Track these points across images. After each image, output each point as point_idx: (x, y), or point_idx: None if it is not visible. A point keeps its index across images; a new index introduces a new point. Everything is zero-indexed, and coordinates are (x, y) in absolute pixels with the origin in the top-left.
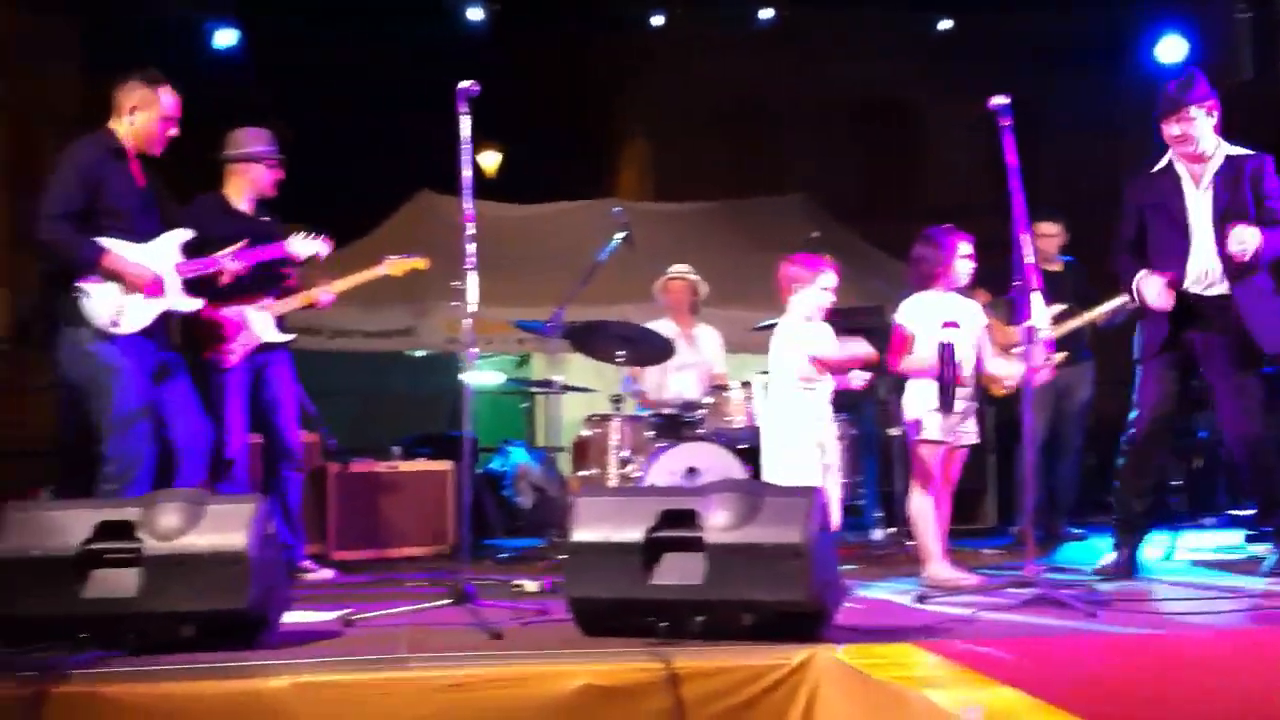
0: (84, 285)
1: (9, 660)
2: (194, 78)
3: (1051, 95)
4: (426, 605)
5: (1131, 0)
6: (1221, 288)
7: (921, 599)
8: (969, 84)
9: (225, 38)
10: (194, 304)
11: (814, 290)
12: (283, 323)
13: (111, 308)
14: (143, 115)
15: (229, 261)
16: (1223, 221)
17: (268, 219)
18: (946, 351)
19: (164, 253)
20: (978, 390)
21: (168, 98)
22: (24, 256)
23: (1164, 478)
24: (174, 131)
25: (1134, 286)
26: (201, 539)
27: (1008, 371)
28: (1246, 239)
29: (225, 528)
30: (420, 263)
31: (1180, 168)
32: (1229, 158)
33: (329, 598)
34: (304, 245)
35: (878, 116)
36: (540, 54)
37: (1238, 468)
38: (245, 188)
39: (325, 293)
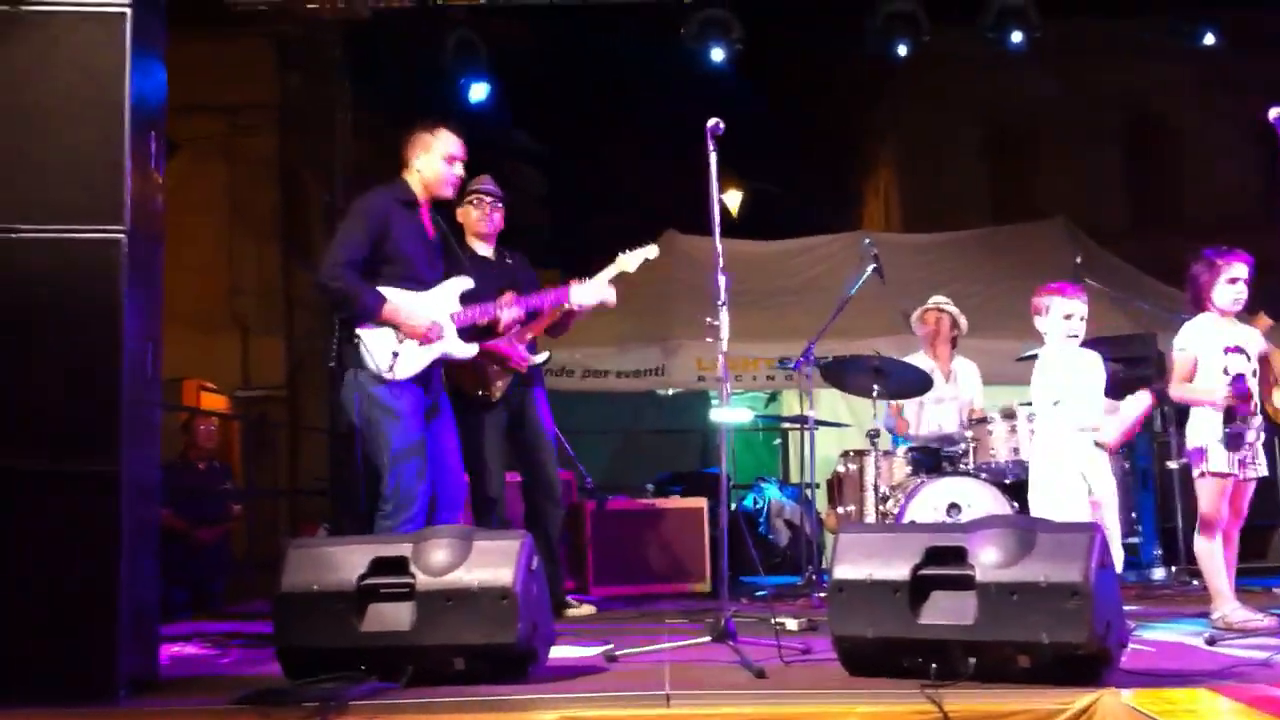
0: (362, 331)
1: (294, 691)
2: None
3: None
4: (689, 642)
5: None
6: None
7: (1212, 641)
8: (1239, 96)
9: (479, 92)
10: (469, 350)
11: (1056, 319)
12: (534, 345)
13: (387, 353)
14: (425, 159)
15: (505, 311)
16: None
17: (510, 261)
18: (1238, 382)
19: (444, 300)
20: (1265, 419)
21: (446, 137)
22: (297, 308)
23: None
24: (460, 171)
25: None
26: (470, 574)
27: None
28: None
29: (493, 563)
30: (651, 251)
31: None
32: None
33: (591, 633)
34: (588, 293)
35: (1141, 133)
36: (784, 89)
37: None
38: (467, 230)
39: (577, 302)
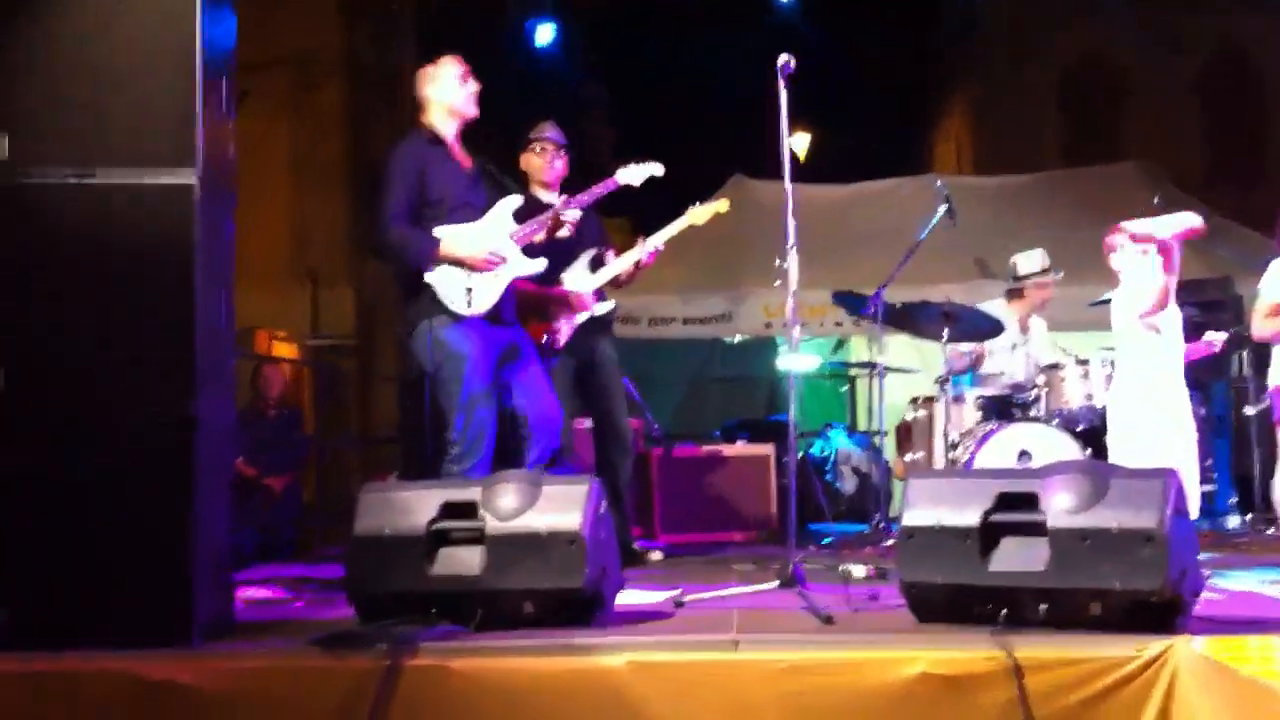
0: (429, 276)
1: (366, 633)
2: (519, 75)
3: None
4: (756, 588)
5: None
6: None
7: None
8: None
9: (545, 34)
10: (537, 265)
11: (1132, 255)
12: (602, 294)
13: (461, 289)
14: (436, 87)
15: (564, 211)
16: None
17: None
18: None
19: (498, 224)
20: None
21: (448, 60)
22: (366, 258)
23: None
24: (474, 85)
25: None
26: (539, 519)
27: None
28: None
29: (561, 508)
30: (722, 205)
31: None
32: None
33: (659, 579)
34: (636, 172)
35: (1223, 78)
36: (856, 31)
37: None
38: (531, 178)
39: (644, 252)
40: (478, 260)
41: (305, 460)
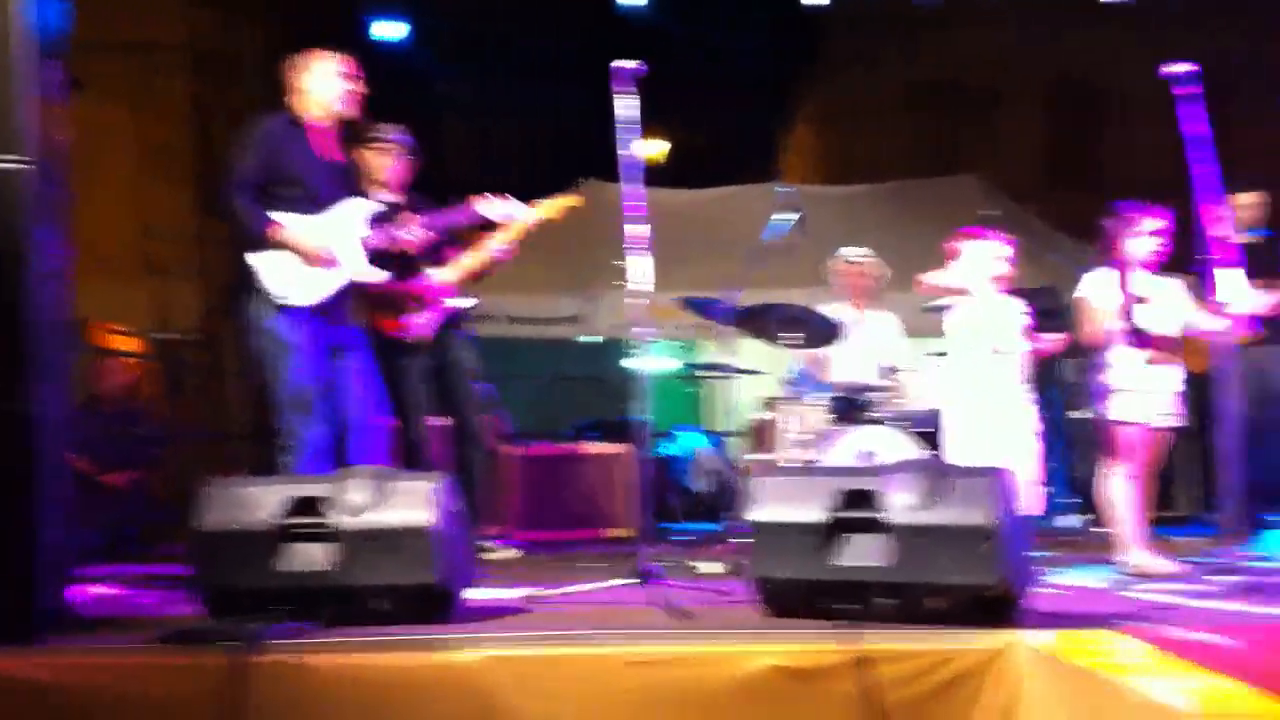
0: (257, 256)
1: (214, 629)
2: (372, 69)
3: (1250, 63)
4: (610, 584)
5: None
6: None
7: (1120, 585)
8: (1161, 59)
9: (396, 30)
10: (378, 275)
11: (970, 264)
12: (457, 291)
13: (284, 279)
14: (309, 77)
15: (416, 230)
16: None
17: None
18: (1142, 334)
19: (345, 223)
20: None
21: (328, 54)
22: (212, 251)
23: None
24: (354, 86)
25: None
26: (389, 515)
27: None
28: None
29: (412, 504)
30: (574, 200)
31: None
32: None
33: (513, 576)
34: (494, 208)
35: (1064, 92)
36: (708, 37)
37: None
38: (364, 176)
39: (494, 248)
40: (313, 254)
41: (150, 457)
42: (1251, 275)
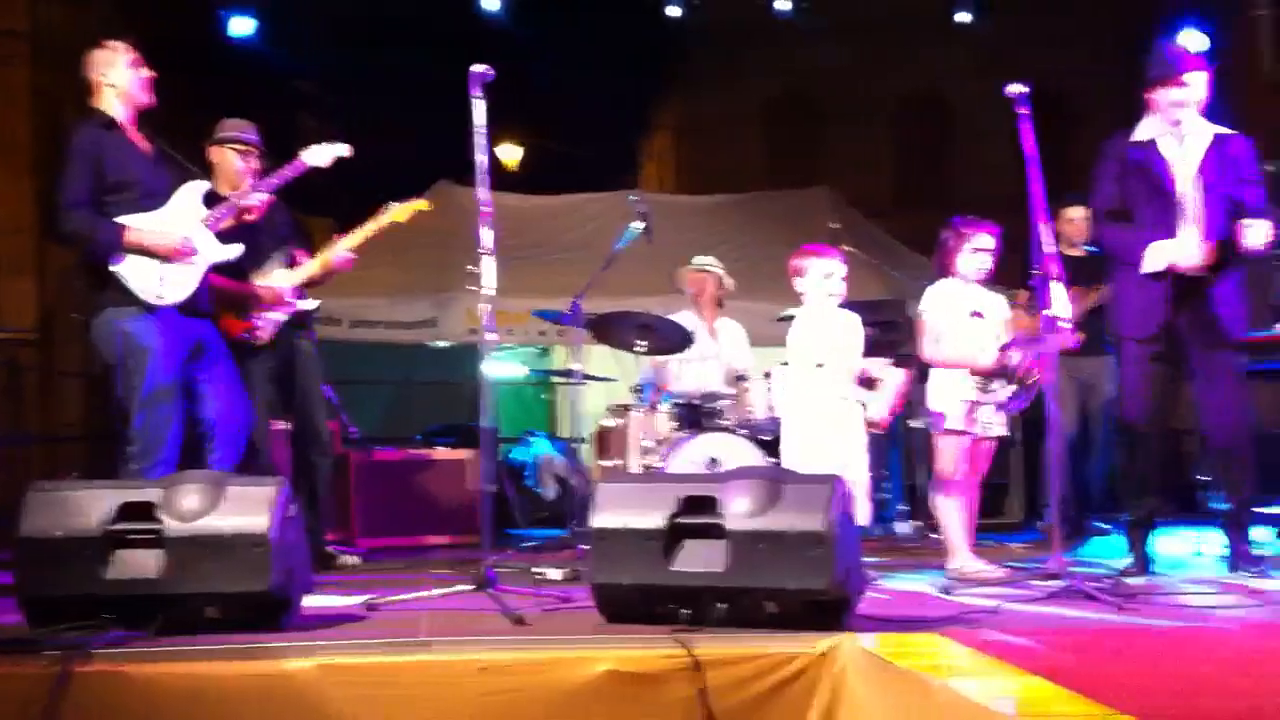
0: (117, 266)
1: (36, 639)
2: (215, 67)
3: (1080, 84)
4: (448, 590)
5: None
6: (1206, 270)
7: (947, 590)
8: (1000, 75)
9: (241, 26)
10: (233, 250)
11: (816, 279)
12: (303, 292)
13: (153, 280)
14: (114, 72)
15: (253, 196)
16: (1206, 200)
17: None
18: (1005, 350)
19: (186, 210)
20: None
21: (119, 48)
22: (49, 246)
23: (1188, 473)
24: (146, 71)
25: (1148, 256)
26: (223, 521)
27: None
28: (1264, 232)
29: (246, 510)
30: (423, 204)
31: (1166, 142)
32: (1217, 135)
33: (352, 583)
34: (321, 153)
35: (915, 109)
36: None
37: (1213, 455)
38: (220, 176)
39: (340, 253)
40: (170, 249)
41: None
42: (1076, 286)
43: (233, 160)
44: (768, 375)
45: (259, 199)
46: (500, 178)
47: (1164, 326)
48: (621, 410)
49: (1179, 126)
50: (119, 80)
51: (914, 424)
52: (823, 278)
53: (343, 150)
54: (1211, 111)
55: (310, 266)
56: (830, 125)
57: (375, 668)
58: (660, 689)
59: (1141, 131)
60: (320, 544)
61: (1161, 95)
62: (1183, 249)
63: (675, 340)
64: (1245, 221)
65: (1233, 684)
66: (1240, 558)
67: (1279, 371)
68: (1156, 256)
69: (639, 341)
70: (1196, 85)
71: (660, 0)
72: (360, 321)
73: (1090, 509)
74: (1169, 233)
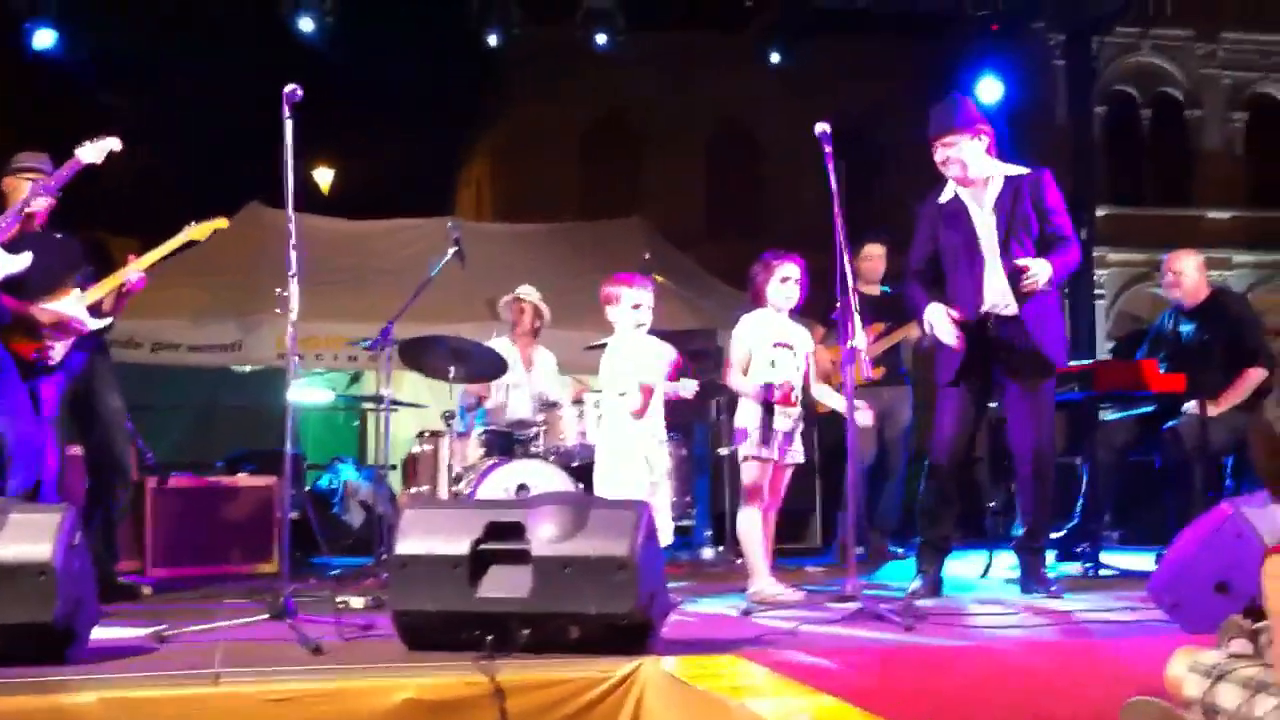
0: None
1: None
2: (17, 84)
3: (884, 126)
4: (243, 620)
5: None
6: (1014, 308)
7: (747, 613)
8: (810, 111)
9: (44, 39)
10: (21, 261)
11: (626, 308)
12: (97, 312)
13: None
14: None
15: (36, 201)
16: (1008, 242)
17: (60, 237)
18: (768, 391)
19: None
20: (808, 411)
21: None
22: None
23: (980, 500)
24: None
25: (925, 319)
26: (5, 549)
27: (831, 403)
28: (1038, 274)
29: (30, 537)
30: (221, 222)
31: (964, 193)
32: (1008, 178)
33: (143, 614)
34: (94, 149)
35: (726, 144)
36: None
37: (1018, 481)
38: (12, 205)
39: (134, 271)
40: None
41: None
42: (872, 322)
43: (26, 190)
44: (578, 403)
45: (42, 204)
46: (315, 201)
47: (969, 368)
48: (432, 437)
49: (959, 179)
50: None
51: (721, 451)
52: (632, 307)
53: (114, 144)
54: (1006, 157)
55: (102, 287)
56: (645, 156)
57: (162, 701)
58: (461, 716)
59: (946, 191)
60: (111, 574)
61: (935, 154)
62: (938, 326)
63: (488, 367)
64: (1021, 264)
65: (1013, 698)
66: (1035, 580)
67: (1064, 403)
68: (936, 328)
69: (451, 367)
70: (961, 142)
71: (479, 27)
72: (162, 344)
73: (886, 534)
74: (975, 284)
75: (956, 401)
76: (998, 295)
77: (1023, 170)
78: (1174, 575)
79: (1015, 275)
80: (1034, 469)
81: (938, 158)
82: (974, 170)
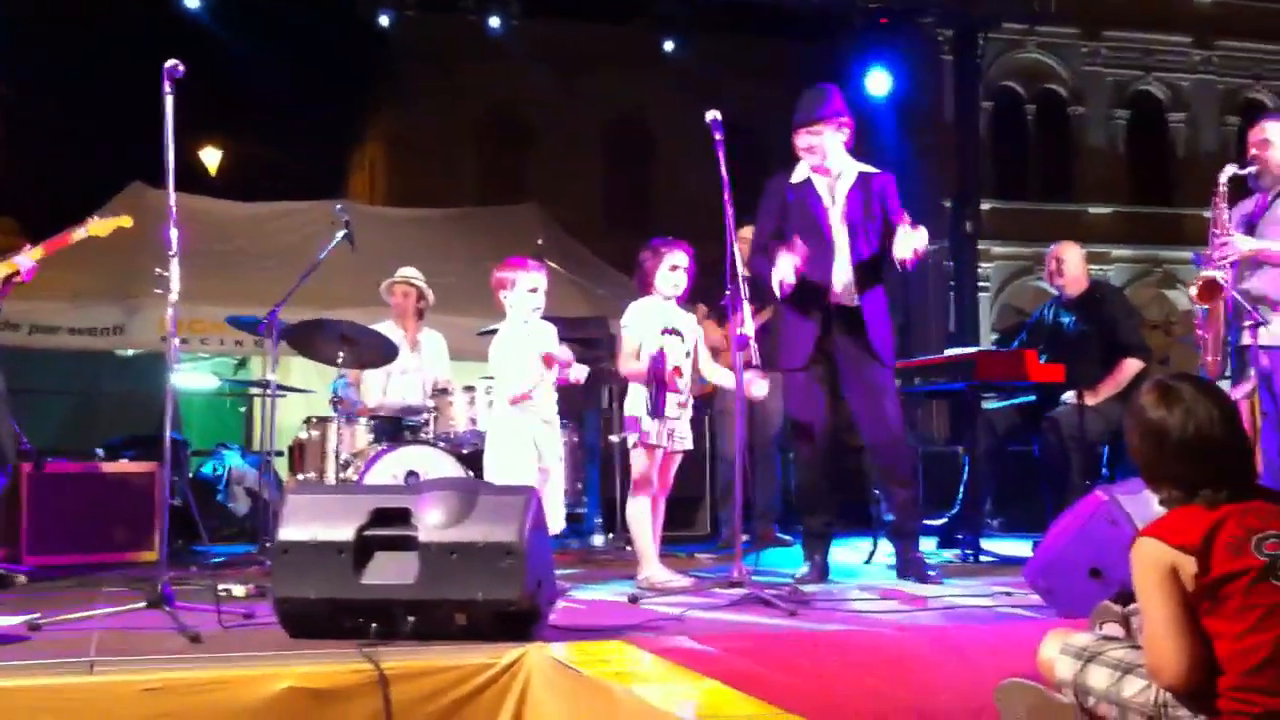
0: None
1: None
2: None
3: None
4: (121, 609)
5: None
6: (855, 299)
7: (635, 599)
8: (702, 104)
9: None
10: None
11: (521, 292)
12: None
13: None
14: None
15: None
16: (855, 236)
17: None
18: (658, 359)
19: None
20: (696, 398)
21: None
22: None
23: (865, 489)
24: None
25: (774, 277)
26: None
27: (723, 382)
28: (913, 240)
29: None
30: (125, 220)
31: (817, 180)
32: (861, 174)
33: (16, 602)
34: None
35: (622, 135)
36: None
37: (875, 470)
38: None
39: (25, 259)
40: None
41: None
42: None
43: None
44: (469, 389)
45: None
46: (203, 182)
47: (817, 353)
48: (319, 423)
49: (816, 168)
50: None
51: (612, 438)
52: (527, 291)
53: None
54: (893, 149)
55: None
56: (540, 146)
57: (33, 690)
58: (344, 705)
59: (798, 172)
60: None
61: (796, 141)
62: (781, 265)
63: (378, 352)
64: (900, 227)
65: (892, 680)
66: (910, 565)
67: (946, 393)
68: (779, 268)
69: (341, 352)
70: (826, 133)
71: (372, 8)
72: (40, 327)
73: (770, 520)
74: (824, 268)
75: (804, 387)
76: (842, 287)
77: (873, 170)
78: (1049, 561)
79: (860, 268)
80: (884, 459)
81: (800, 144)
82: (831, 161)
